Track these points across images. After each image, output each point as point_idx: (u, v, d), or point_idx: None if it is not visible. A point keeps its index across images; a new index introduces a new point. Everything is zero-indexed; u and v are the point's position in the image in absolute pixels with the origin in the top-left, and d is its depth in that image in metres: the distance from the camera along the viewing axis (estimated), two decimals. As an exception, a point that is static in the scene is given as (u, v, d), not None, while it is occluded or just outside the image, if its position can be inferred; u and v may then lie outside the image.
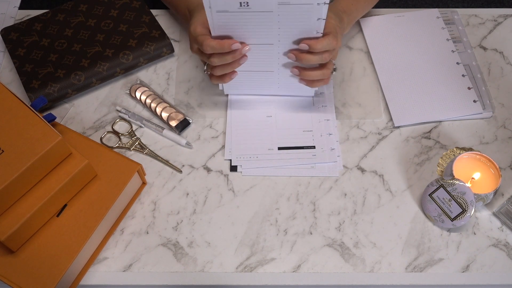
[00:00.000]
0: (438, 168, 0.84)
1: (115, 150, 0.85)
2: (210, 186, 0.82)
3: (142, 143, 0.87)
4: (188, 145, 0.86)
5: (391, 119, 0.89)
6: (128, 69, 0.93)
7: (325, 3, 0.71)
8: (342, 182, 0.83)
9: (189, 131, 0.88)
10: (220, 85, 0.88)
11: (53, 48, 0.93)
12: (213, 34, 0.76)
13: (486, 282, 0.74)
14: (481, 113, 0.88)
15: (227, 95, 0.91)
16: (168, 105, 0.89)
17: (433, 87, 0.91)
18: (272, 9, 0.72)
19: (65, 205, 0.74)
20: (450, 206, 0.75)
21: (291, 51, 0.78)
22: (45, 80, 0.89)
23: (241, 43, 0.76)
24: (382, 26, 0.99)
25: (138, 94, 0.91)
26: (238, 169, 0.83)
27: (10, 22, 1.02)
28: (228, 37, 0.76)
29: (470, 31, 1.00)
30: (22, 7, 1.05)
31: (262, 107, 0.90)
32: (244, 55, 0.78)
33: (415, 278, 0.75)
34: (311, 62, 0.78)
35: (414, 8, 1.02)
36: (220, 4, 0.71)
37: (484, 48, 0.98)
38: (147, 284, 0.75)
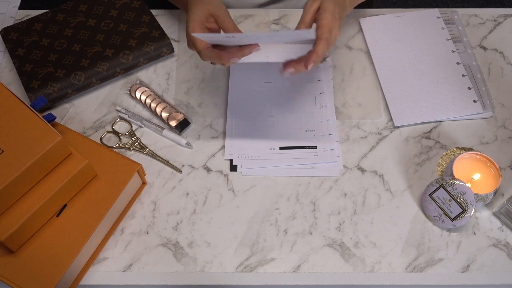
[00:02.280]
0: (438, 168, 0.84)
1: (115, 150, 0.85)
2: (210, 186, 0.82)
3: (142, 143, 0.87)
4: (188, 145, 0.86)
5: (391, 119, 0.89)
6: (128, 69, 0.93)
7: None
8: (342, 182, 0.83)
9: (189, 131, 0.88)
10: None
11: (53, 48, 0.93)
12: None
13: (486, 282, 0.74)
14: (481, 113, 0.88)
15: (227, 94, 0.91)
16: (168, 105, 0.89)
17: (433, 87, 0.91)
18: (259, 41, 0.72)
19: (65, 205, 0.74)
20: (450, 206, 0.75)
21: (287, 66, 0.75)
22: (45, 80, 0.89)
23: (243, 46, 0.74)
24: (382, 26, 0.99)
25: (138, 94, 0.91)
26: (238, 169, 0.83)
27: (10, 22, 1.02)
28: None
29: (470, 31, 1.00)
30: (22, 7, 1.05)
31: (264, 107, 0.90)
32: (256, 46, 0.74)
33: (415, 278, 0.75)
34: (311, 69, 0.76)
35: (414, 8, 1.02)
36: (205, 36, 0.72)
37: (484, 48, 0.98)
38: (147, 284, 0.75)
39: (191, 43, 0.76)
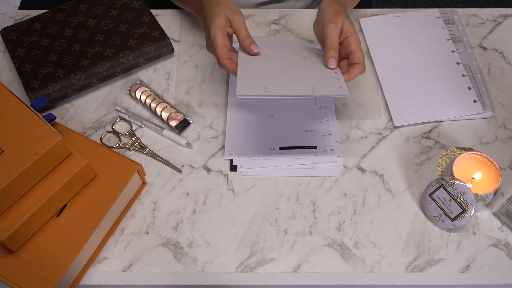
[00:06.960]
0: (438, 168, 0.84)
1: (115, 150, 0.85)
2: (210, 186, 0.82)
3: (142, 143, 0.87)
4: (188, 145, 0.86)
5: (391, 119, 0.89)
6: (128, 69, 0.93)
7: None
8: (342, 182, 0.83)
9: (189, 131, 0.88)
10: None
11: (53, 48, 0.93)
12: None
13: (486, 282, 0.75)
14: (481, 113, 0.88)
15: (227, 94, 0.91)
16: (168, 105, 0.89)
17: (433, 87, 0.91)
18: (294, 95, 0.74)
19: (65, 205, 0.74)
20: (450, 206, 0.75)
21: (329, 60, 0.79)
22: (45, 80, 0.89)
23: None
24: (382, 26, 0.99)
25: (138, 94, 0.91)
26: (238, 169, 0.83)
27: (10, 22, 1.02)
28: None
29: (470, 31, 1.00)
30: (22, 7, 1.05)
31: (264, 107, 0.90)
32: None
33: (415, 278, 0.75)
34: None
35: (414, 8, 1.02)
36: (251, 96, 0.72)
37: (484, 48, 0.98)
38: (147, 284, 0.75)
39: (211, 48, 0.81)
